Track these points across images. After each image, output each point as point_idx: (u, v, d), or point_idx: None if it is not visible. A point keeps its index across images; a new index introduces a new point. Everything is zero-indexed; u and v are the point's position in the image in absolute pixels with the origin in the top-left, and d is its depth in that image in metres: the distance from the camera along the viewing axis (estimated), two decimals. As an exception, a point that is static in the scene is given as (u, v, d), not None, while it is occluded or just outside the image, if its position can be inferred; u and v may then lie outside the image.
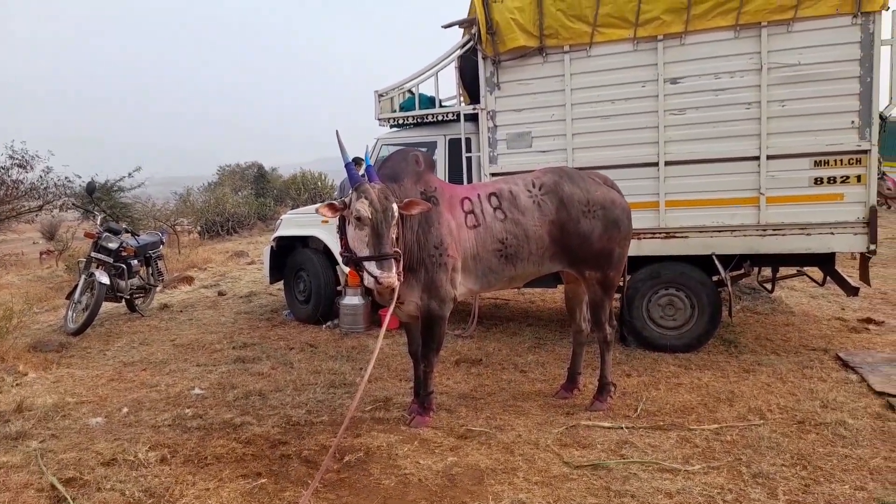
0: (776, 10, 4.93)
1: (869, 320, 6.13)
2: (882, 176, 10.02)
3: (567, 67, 5.50)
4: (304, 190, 24.35)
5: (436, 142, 6.47)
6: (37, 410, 4.43)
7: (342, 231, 3.73)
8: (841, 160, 4.96)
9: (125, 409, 4.44)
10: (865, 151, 4.89)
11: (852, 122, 4.90)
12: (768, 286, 6.46)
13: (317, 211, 3.60)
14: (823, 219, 5.05)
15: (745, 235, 5.23)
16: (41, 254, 15.47)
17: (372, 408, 4.32)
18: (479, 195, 4.05)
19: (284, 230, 7.27)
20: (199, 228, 19.40)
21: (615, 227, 4.06)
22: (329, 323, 6.87)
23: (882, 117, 5.02)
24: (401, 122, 6.60)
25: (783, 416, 3.93)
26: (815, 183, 5.02)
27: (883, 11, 4.74)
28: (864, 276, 5.37)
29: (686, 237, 5.37)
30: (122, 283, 7.32)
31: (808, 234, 5.10)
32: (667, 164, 5.32)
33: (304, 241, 7.17)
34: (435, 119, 6.41)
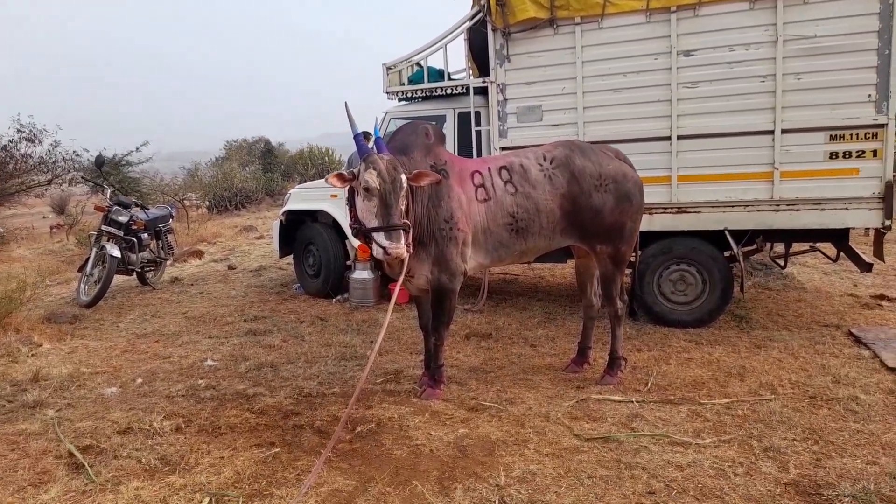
0: (793, -20, 4.82)
1: (882, 297, 6.10)
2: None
3: (578, 39, 5.41)
4: (312, 165, 24.27)
5: (445, 115, 6.41)
6: (52, 380, 4.49)
7: (351, 202, 3.71)
8: (857, 134, 4.89)
9: (139, 380, 4.49)
10: (882, 125, 4.81)
11: (869, 95, 4.81)
12: (781, 262, 6.42)
13: (326, 181, 3.58)
14: (838, 194, 4.99)
15: (758, 210, 5.19)
16: (51, 228, 15.55)
17: (383, 380, 4.35)
18: (489, 169, 4.01)
19: (293, 204, 7.26)
20: (207, 203, 19.43)
21: (627, 200, 4.02)
22: (339, 297, 6.89)
23: None
24: (409, 95, 6.54)
25: (795, 391, 3.93)
26: (831, 157, 4.96)
27: None
28: (879, 253, 5.32)
29: (698, 212, 5.33)
30: (133, 257, 7.36)
31: (822, 210, 5.05)
32: (679, 138, 5.26)
33: (313, 215, 7.17)
34: (444, 92, 6.36)
